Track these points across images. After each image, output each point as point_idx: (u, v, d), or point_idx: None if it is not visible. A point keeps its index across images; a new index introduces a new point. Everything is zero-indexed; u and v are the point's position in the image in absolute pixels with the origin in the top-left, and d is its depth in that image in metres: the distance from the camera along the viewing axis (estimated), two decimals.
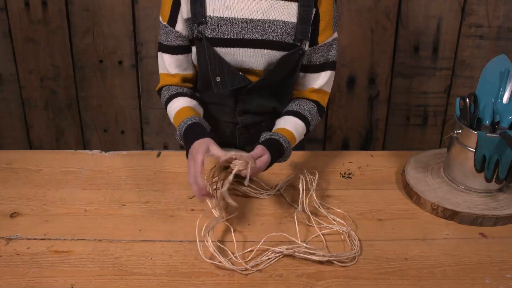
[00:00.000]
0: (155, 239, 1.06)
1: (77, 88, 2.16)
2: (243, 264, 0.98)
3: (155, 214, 1.14)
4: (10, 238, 1.06)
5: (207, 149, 1.04)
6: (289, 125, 1.22)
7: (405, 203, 1.20)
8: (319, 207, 1.15)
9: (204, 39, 1.18)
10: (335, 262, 0.99)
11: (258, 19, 1.18)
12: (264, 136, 1.17)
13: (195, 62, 1.27)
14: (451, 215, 1.13)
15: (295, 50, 1.20)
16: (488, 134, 1.07)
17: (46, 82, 2.14)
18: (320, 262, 0.99)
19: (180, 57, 1.26)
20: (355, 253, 1.01)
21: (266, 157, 1.08)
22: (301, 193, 1.15)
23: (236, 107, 1.29)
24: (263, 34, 1.18)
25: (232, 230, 1.08)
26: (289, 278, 0.96)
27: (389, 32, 2.05)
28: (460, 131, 1.16)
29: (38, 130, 2.25)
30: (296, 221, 1.10)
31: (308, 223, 1.11)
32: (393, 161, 1.36)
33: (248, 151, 1.09)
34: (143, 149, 2.29)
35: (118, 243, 1.05)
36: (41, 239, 1.05)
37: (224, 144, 1.35)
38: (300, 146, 1.33)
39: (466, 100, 1.17)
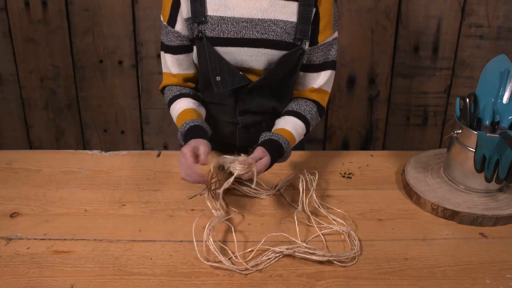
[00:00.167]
0: (155, 239, 1.06)
1: (77, 88, 2.16)
2: (243, 264, 0.98)
3: (155, 214, 1.14)
4: (10, 238, 1.06)
5: (195, 147, 1.05)
6: (289, 125, 1.22)
7: (405, 203, 1.20)
8: (319, 207, 1.15)
9: (204, 39, 1.18)
10: (335, 262, 0.99)
11: (258, 19, 1.18)
12: (264, 136, 1.17)
13: (196, 61, 1.27)
14: (451, 215, 1.13)
15: (295, 49, 1.20)
16: (488, 134, 1.07)
17: (46, 82, 2.14)
18: (320, 262, 0.99)
19: (181, 56, 1.26)
20: (355, 253, 1.01)
21: (266, 159, 1.08)
22: (301, 193, 1.15)
23: (236, 107, 1.29)
24: (263, 34, 1.18)
25: (232, 230, 1.08)
26: (289, 278, 0.96)
27: (389, 32, 2.05)
28: (460, 131, 1.16)
29: (38, 130, 2.25)
30: (296, 221, 1.10)
31: (308, 223, 1.11)
32: (393, 161, 1.36)
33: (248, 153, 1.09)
34: (143, 149, 2.29)
35: (118, 243, 1.04)
36: (41, 239, 1.05)
37: (224, 144, 1.35)
38: (300, 146, 1.33)
39: (466, 100, 1.17)
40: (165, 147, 2.29)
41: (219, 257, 0.98)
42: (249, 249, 1.02)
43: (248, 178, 1.04)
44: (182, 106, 1.23)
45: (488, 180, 1.12)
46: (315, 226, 1.09)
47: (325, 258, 0.98)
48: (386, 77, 2.13)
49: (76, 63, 2.11)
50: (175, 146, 2.28)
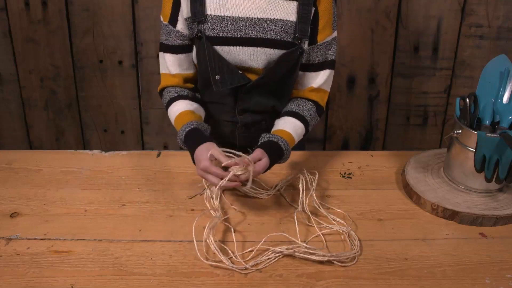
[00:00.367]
0: (155, 239, 1.06)
1: (77, 88, 2.16)
2: (243, 263, 0.98)
3: (155, 214, 1.14)
4: (10, 238, 1.06)
5: (210, 155, 1.06)
6: (288, 126, 1.22)
7: (405, 203, 1.20)
8: (319, 207, 1.15)
9: (203, 38, 1.18)
10: (335, 262, 0.99)
11: (257, 18, 1.18)
12: (263, 138, 1.17)
13: (195, 61, 1.27)
14: (451, 215, 1.13)
15: (294, 48, 1.20)
16: (488, 134, 1.07)
17: (46, 82, 2.14)
18: (320, 262, 0.99)
19: (181, 56, 1.26)
20: (355, 253, 1.01)
21: (264, 160, 1.08)
22: (301, 193, 1.15)
23: (235, 106, 1.29)
24: (262, 33, 1.19)
25: (232, 230, 1.08)
26: (289, 278, 0.96)
27: (389, 32, 2.05)
28: (460, 131, 1.16)
29: (38, 130, 2.25)
30: (296, 221, 1.10)
31: (308, 223, 1.11)
32: (393, 161, 1.36)
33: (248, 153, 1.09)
34: (143, 149, 2.29)
35: (118, 243, 1.04)
36: (41, 239, 1.05)
37: (224, 143, 1.35)
38: (300, 146, 1.33)
39: (466, 100, 1.17)
40: (165, 147, 2.29)
41: (219, 255, 0.98)
42: (249, 249, 1.02)
43: (245, 179, 1.04)
44: (179, 109, 1.23)
45: (488, 180, 1.12)
46: (315, 226, 1.09)
47: (325, 258, 0.98)
48: (386, 77, 2.13)
49: (76, 63, 2.11)
50: (175, 146, 2.28)
